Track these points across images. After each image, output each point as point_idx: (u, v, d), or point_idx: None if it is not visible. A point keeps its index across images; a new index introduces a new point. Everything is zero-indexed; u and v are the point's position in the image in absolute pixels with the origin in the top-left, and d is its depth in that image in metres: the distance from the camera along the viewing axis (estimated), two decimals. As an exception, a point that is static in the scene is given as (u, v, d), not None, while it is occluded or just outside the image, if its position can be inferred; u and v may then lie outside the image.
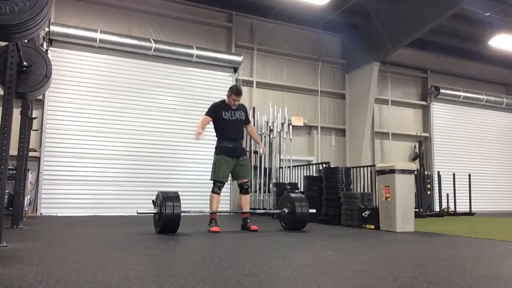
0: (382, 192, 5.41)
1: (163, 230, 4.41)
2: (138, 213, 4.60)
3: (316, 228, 5.66)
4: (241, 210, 5.31)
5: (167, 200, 4.36)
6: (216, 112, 5.14)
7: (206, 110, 5.26)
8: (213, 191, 5.03)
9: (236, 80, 9.84)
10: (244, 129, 5.41)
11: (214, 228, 4.86)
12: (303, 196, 5.48)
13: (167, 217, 4.33)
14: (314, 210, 5.29)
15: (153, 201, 4.65)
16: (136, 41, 8.78)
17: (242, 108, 5.36)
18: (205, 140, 8.91)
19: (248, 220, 5.18)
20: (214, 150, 5.20)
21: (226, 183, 5.16)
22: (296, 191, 7.39)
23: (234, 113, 5.19)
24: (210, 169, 5.13)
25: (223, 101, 5.29)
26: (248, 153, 9.03)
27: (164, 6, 9.43)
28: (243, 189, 5.23)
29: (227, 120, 5.12)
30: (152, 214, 4.61)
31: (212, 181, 5.06)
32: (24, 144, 5.54)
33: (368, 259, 3.00)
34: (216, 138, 5.20)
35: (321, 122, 10.96)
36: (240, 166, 5.14)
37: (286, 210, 5.28)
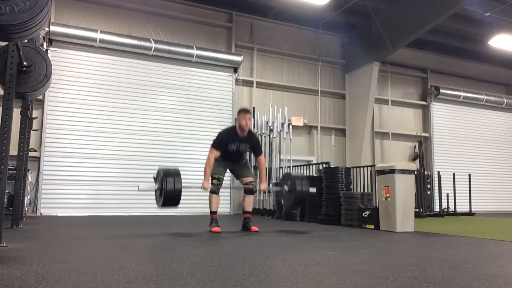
0: (382, 192, 5.40)
1: (164, 204, 4.45)
2: (139, 189, 4.62)
3: (316, 228, 5.66)
4: (244, 211, 5.27)
5: (168, 176, 4.39)
6: (224, 145, 4.97)
7: (213, 141, 5.02)
8: (211, 191, 4.94)
9: (236, 80, 9.84)
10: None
11: (215, 229, 4.85)
12: (304, 175, 5.36)
13: (168, 192, 4.35)
14: (314, 189, 5.24)
15: (154, 177, 4.66)
16: (136, 41, 8.78)
17: (252, 140, 5.12)
18: (205, 141, 9.01)
19: (250, 221, 5.17)
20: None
21: (223, 182, 5.06)
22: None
23: (240, 145, 5.00)
24: None
25: (230, 131, 5.07)
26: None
27: (164, 6, 9.43)
28: (248, 190, 5.14)
29: (231, 152, 5.00)
30: (154, 191, 4.64)
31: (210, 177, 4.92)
32: (24, 144, 5.54)
33: (368, 259, 3.00)
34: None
35: (321, 122, 10.97)
36: (241, 165, 5.10)
37: (286, 188, 5.20)
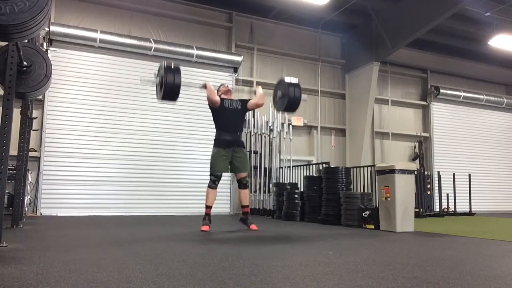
0: (382, 192, 5.41)
1: (164, 97, 4.65)
2: (140, 80, 5.05)
3: (316, 228, 5.66)
4: (242, 205, 5.32)
5: (168, 71, 4.56)
6: (219, 97, 5.21)
7: (208, 107, 5.27)
8: (209, 186, 5.07)
9: (236, 80, 9.84)
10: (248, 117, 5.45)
11: (204, 228, 4.88)
12: (298, 82, 5.32)
13: (168, 85, 4.52)
14: (305, 97, 5.34)
15: (155, 73, 4.82)
16: (136, 41, 8.77)
17: (240, 100, 5.44)
18: (205, 140, 9.03)
19: (249, 216, 5.21)
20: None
21: (222, 177, 5.20)
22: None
23: (232, 103, 5.27)
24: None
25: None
26: (248, 153, 9.04)
27: (164, 6, 9.42)
28: (242, 184, 5.22)
29: (227, 109, 5.16)
30: (155, 84, 4.86)
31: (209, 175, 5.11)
32: (24, 144, 5.54)
33: (368, 259, 3.00)
34: (215, 132, 5.24)
35: (321, 122, 10.96)
36: (238, 158, 5.14)
37: (280, 94, 5.25)
